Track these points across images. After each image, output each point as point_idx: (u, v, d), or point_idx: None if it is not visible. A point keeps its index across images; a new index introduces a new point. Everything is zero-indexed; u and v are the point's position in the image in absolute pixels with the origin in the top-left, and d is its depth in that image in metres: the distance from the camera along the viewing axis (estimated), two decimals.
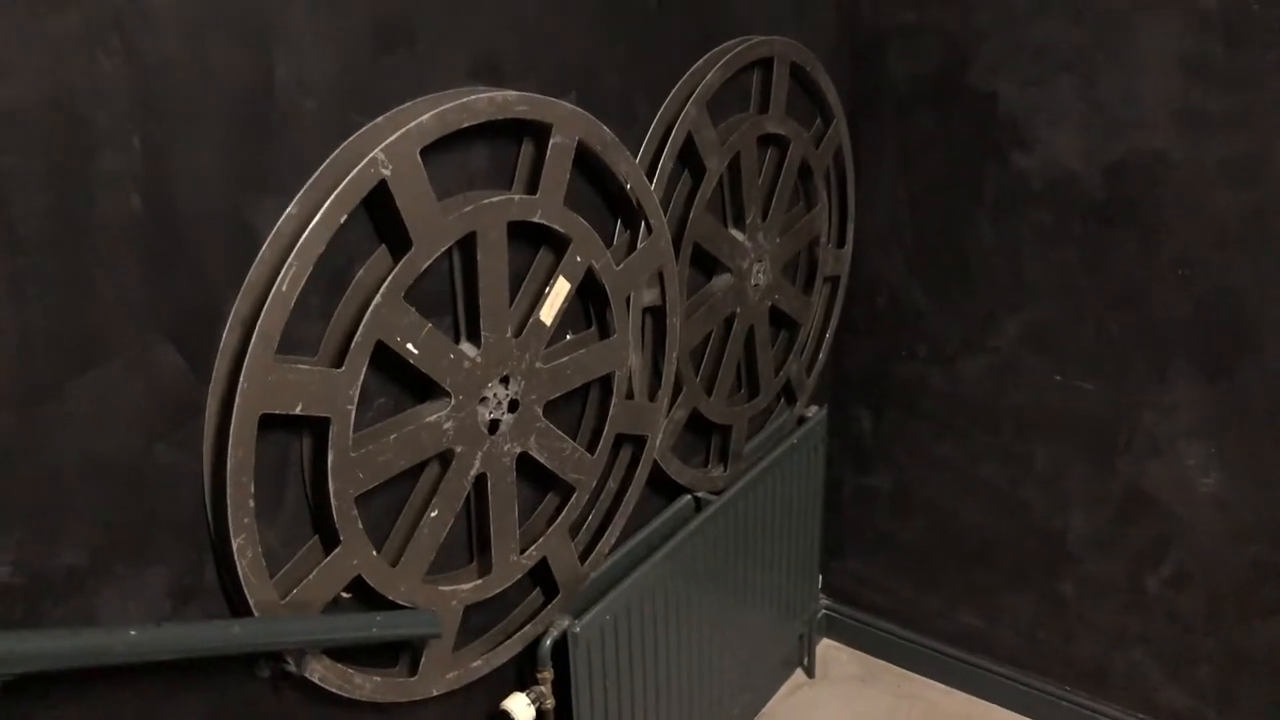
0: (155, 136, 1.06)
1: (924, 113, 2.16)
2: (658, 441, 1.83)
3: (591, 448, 1.67)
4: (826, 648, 2.68)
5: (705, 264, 1.90)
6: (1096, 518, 2.22)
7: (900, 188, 2.25)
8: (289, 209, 1.19)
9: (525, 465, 1.55)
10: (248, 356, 1.13)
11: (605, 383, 1.67)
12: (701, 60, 1.77)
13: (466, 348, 1.42)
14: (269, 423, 1.18)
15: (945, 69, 2.10)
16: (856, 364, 2.44)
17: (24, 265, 0.99)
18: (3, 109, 0.94)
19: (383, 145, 1.20)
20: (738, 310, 1.96)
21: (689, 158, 1.76)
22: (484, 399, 1.44)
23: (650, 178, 1.68)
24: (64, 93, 0.98)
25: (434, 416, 1.38)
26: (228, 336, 1.16)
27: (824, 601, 2.67)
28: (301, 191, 1.20)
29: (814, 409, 2.35)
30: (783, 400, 2.30)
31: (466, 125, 1.30)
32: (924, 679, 2.57)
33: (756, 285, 1.99)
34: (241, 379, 1.13)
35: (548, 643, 1.70)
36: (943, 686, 2.55)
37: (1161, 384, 2.06)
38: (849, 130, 2.19)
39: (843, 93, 2.15)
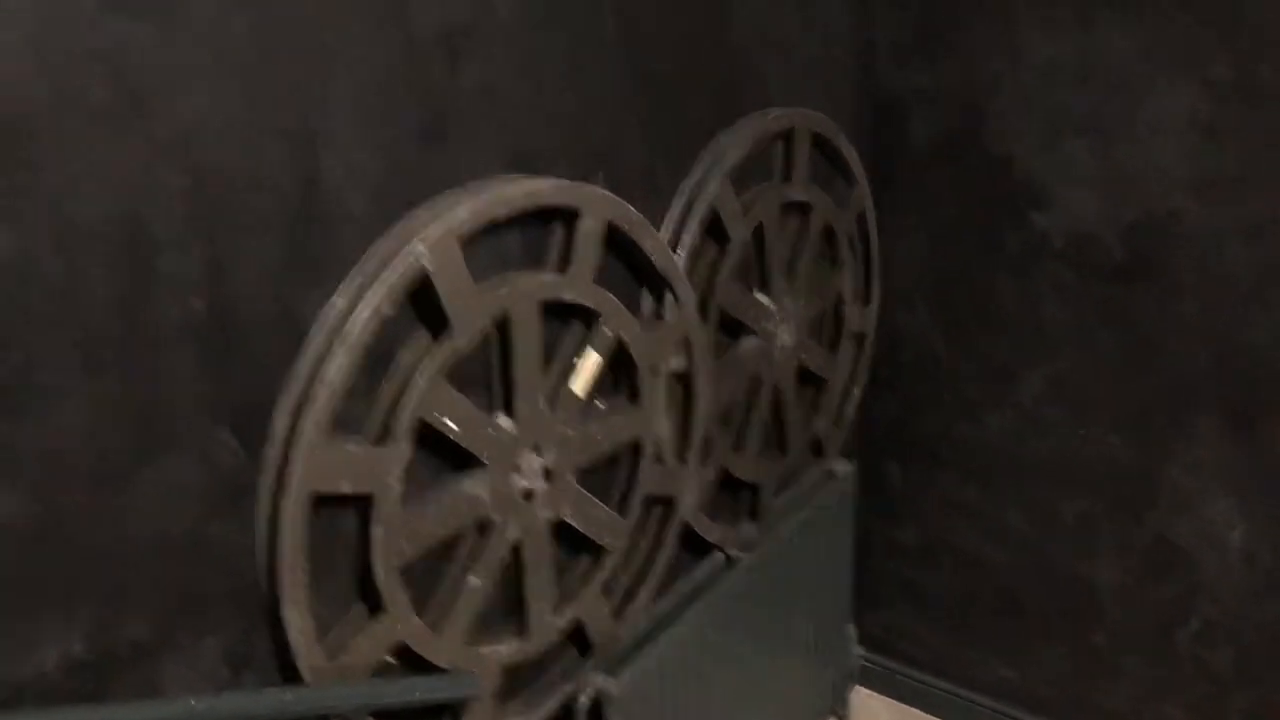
0: (213, 240, 1.14)
1: (943, 174, 2.22)
2: (687, 502, 1.88)
3: (622, 510, 1.72)
4: (861, 697, 2.70)
5: (732, 327, 1.96)
6: (1124, 570, 2.24)
7: (923, 246, 2.30)
8: (335, 300, 1.27)
9: (559, 528, 1.60)
10: (298, 441, 1.21)
11: (635, 446, 1.73)
12: (724, 134, 1.84)
13: (502, 419, 1.49)
14: (317, 498, 1.26)
15: (962, 132, 2.16)
16: (884, 418, 2.48)
17: (95, 363, 1.07)
18: (77, 224, 1.03)
19: (423, 237, 1.28)
20: (765, 371, 2.02)
21: (714, 227, 1.82)
22: (519, 468, 1.50)
23: (676, 248, 1.74)
24: (132, 207, 1.07)
25: (472, 487, 1.44)
26: (279, 422, 1.24)
27: (858, 651, 2.69)
28: (346, 282, 1.28)
29: (843, 463, 2.39)
30: (812, 456, 2.34)
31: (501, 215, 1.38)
32: None
33: (783, 346, 2.05)
34: (293, 462, 1.21)
35: (584, 700, 1.74)
36: None
37: (1186, 438, 2.08)
38: (871, 191, 2.25)
39: (864, 156, 2.21)
